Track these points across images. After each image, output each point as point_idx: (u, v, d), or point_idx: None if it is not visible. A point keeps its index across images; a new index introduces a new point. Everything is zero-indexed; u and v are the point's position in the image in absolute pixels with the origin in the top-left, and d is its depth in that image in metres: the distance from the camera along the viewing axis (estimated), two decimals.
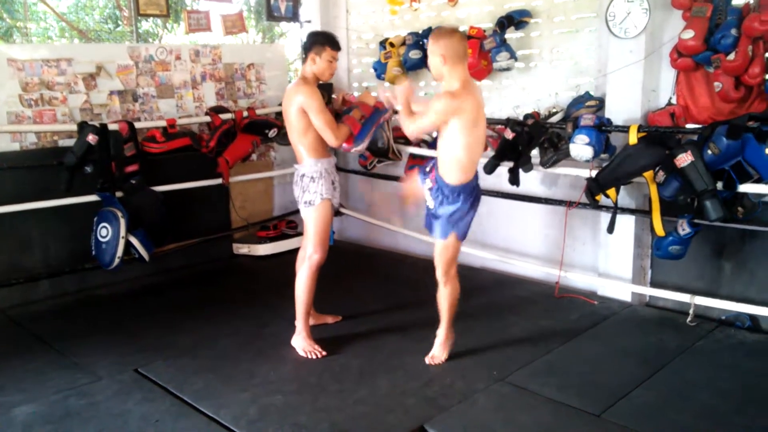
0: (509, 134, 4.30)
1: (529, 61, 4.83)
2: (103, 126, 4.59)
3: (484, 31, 4.78)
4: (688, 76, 3.99)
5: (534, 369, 3.44)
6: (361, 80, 6.04)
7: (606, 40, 4.26)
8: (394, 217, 5.56)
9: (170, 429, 2.94)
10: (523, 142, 4.28)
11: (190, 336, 3.95)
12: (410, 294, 4.57)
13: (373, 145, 5.22)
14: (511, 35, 4.75)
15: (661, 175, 3.75)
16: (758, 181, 3.49)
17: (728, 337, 3.81)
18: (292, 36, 10.29)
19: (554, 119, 4.44)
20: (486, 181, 4.70)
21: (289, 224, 5.83)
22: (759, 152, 3.42)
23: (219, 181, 5.28)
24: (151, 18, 9.11)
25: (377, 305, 4.38)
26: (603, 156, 4.07)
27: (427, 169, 3.48)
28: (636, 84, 4.11)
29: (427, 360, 3.54)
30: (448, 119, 3.20)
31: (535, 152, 4.36)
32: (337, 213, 5.81)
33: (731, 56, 3.62)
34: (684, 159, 3.52)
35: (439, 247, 3.44)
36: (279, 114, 5.65)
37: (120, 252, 4.53)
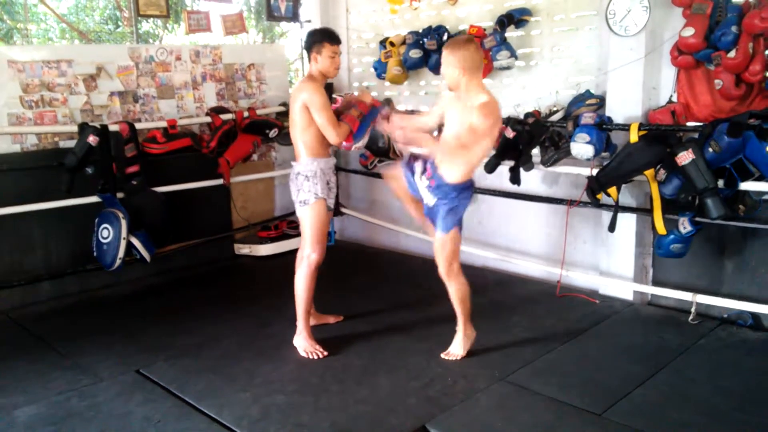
0: (510, 133, 4.29)
1: (529, 60, 4.83)
2: (104, 127, 4.60)
3: (484, 29, 4.77)
4: (689, 74, 3.99)
5: (535, 368, 3.44)
6: (361, 80, 6.03)
7: (606, 38, 4.25)
8: (395, 217, 5.56)
9: (172, 429, 2.94)
10: (524, 140, 4.27)
11: (191, 336, 3.96)
12: (411, 293, 4.57)
13: (374, 144, 5.23)
14: (511, 34, 4.75)
15: (662, 174, 3.75)
16: (759, 178, 3.49)
17: (730, 336, 3.80)
18: (293, 36, 10.29)
19: (555, 118, 4.44)
20: (487, 180, 4.72)
21: (290, 224, 5.83)
22: (760, 150, 3.41)
23: (220, 181, 5.28)
24: (152, 19, 9.11)
25: (378, 305, 4.38)
26: (604, 154, 4.07)
27: (420, 168, 3.47)
28: (636, 82, 4.11)
29: (443, 355, 3.55)
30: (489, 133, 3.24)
31: (535, 151, 4.36)
32: (338, 213, 5.83)
33: (732, 54, 3.61)
34: (685, 157, 3.52)
35: (440, 242, 3.44)
36: (279, 114, 5.68)
37: (121, 253, 4.53)
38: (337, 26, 5.81)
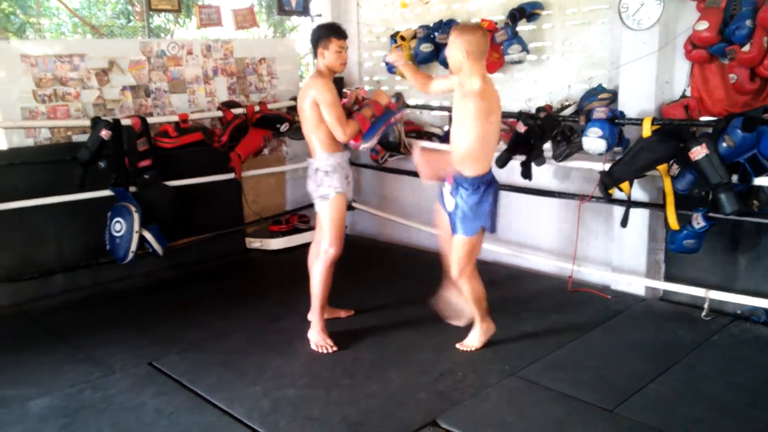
0: (521, 127, 4.27)
1: (541, 54, 4.80)
2: (116, 121, 4.63)
3: (496, 23, 4.75)
4: (703, 68, 3.95)
5: (546, 363, 3.43)
6: (372, 74, 6.02)
7: (619, 31, 4.22)
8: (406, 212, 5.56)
9: (184, 422, 2.96)
10: (536, 135, 4.25)
11: (203, 330, 3.98)
12: (422, 288, 4.54)
13: (385, 139, 5.22)
14: (522, 27, 4.72)
15: (675, 169, 3.72)
16: None
17: (743, 332, 3.77)
18: (303, 30, 10.29)
19: (567, 112, 4.41)
20: (498, 175, 4.66)
21: (301, 218, 5.84)
22: None
23: (231, 175, 5.29)
24: (163, 13, 9.14)
25: (389, 299, 4.38)
26: (616, 149, 4.04)
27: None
28: (649, 76, 4.07)
29: (458, 345, 3.57)
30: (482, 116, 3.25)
31: (547, 146, 4.33)
32: (349, 207, 5.83)
33: (746, 47, 3.58)
34: (698, 152, 3.49)
35: (459, 243, 3.43)
36: (290, 108, 5.69)
37: (134, 246, 4.56)
38: (348, 20, 5.81)
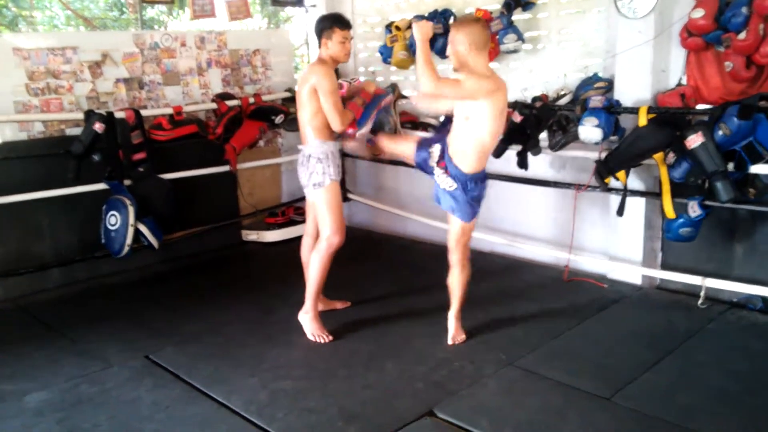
0: (517, 117, 4.26)
1: (536, 43, 4.78)
2: (110, 114, 4.60)
3: (491, 12, 4.72)
4: (699, 56, 3.94)
5: (543, 353, 3.44)
6: (367, 64, 6.00)
7: (615, 20, 4.20)
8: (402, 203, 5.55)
9: (181, 414, 2.96)
10: (532, 125, 4.24)
11: (199, 322, 3.97)
12: (418, 279, 4.56)
13: (380, 129, 5.19)
14: (518, 16, 4.70)
15: (671, 157, 3.72)
16: None
17: (740, 319, 3.78)
18: (298, 21, 10.22)
19: (563, 101, 4.40)
20: (494, 165, 4.67)
21: (297, 210, 5.83)
22: None
23: (226, 168, 5.27)
24: (156, 5, 9.07)
25: (385, 290, 4.38)
26: (612, 138, 4.04)
27: (436, 155, 3.46)
28: (645, 65, 4.06)
29: (450, 341, 3.57)
30: (477, 97, 3.19)
31: (543, 135, 4.32)
32: (345, 198, 5.82)
33: (742, 35, 3.56)
34: (694, 140, 3.49)
35: (458, 230, 3.45)
36: (285, 100, 5.66)
37: (129, 240, 4.55)
38: (343, 10, 5.75)
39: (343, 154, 5.95)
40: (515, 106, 4.30)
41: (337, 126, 3.56)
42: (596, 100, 3.99)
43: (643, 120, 3.84)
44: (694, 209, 3.76)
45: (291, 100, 5.45)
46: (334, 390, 3.12)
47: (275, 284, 4.58)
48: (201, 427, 2.87)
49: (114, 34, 6.95)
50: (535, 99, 4.38)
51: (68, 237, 4.79)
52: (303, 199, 4.65)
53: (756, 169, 3.50)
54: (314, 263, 3.67)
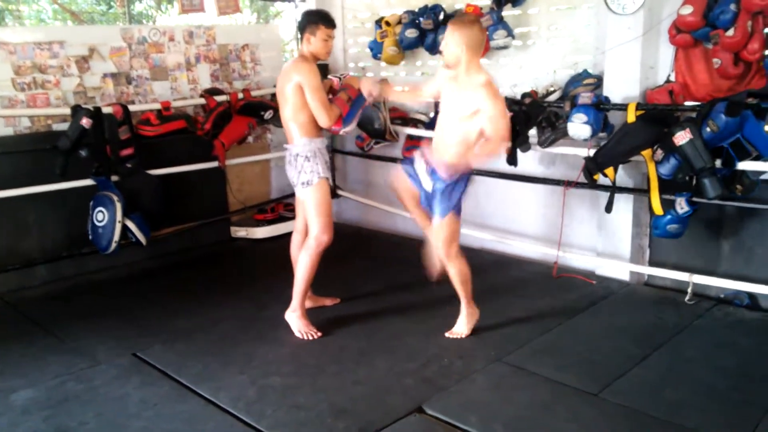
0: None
1: (526, 39, 4.79)
2: (97, 109, 4.56)
3: (481, 8, 4.72)
4: (687, 53, 3.95)
5: (532, 349, 3.45)
6: (357, 60, 5.98)
7: (604, 16, 4.21)
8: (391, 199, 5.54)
9: (169, 412, 2.95)
10: (521, 121, 4.24)
11: (188, 319, 3.95)
12: (408, 275, 4.55)
13: (370, 126, 5.20)
14: (508, 12, 4.70)
15: (659, 154, 3.73)
16: (757, 158, 3.47)
17: (727, 315, 3.81)
18: (287, 16, 10.18)
19: (552, 98, 4.41)
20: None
21: (286, 207, 5.81)
22: (758, 129, 3.39)
23: (215, 164, 5.25)
24: None
25: (375, 287, 4.37)
26: (601, 135, 4.05)
27: (419, 157, 3.50)
28: (634, 61, 4.07)
29: (447, 334, 3.59)
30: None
31: (532, 132, 4.33)
32: (334, 195, 5.81)
33: (730, 32, 3.58)
34: (682, 137, 3.50)
35: (437, 226, 3.46)
36: (275, 95, 5.62)
37: (117, 236, 4.52)
38: (333, 6, 5.75)
39: (332, 151, 5.95)
40: (505, 102, 4.30)
41: (324, 122, 3.54)
42: (585, 97, 4.00)
43: (631, 117, 3.85)
44: (681, 206, 3.78)
45: None
46: (324, 386, 3.11)
47: (265, 281, 4.57)
48: (189, 424, 2.85)
49: (101, 29, 6.90)
50: (524, 95, 4.38)
51: (55, 233, 4.75)
52: (292, 195, 4.65)
53: (743, 165, 3.51)
54: (302, 262, 3.66)
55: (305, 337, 3.63)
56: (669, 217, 3.83)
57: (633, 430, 2.72)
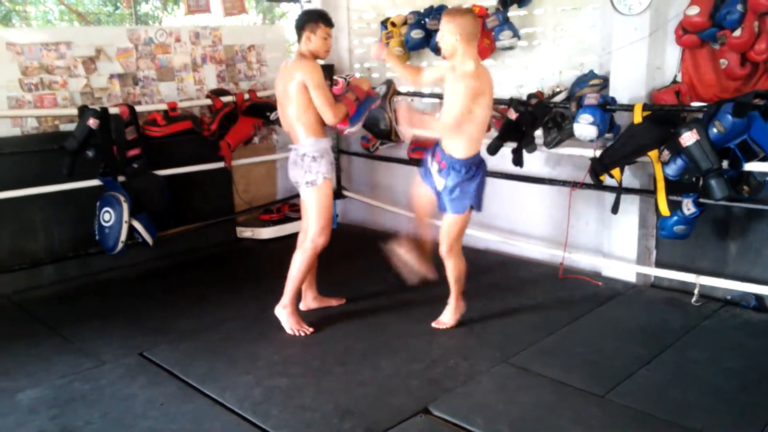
0: (513, 114, 4.26)
1: (532, 40, 4.78)
2: (104, 110, 4.58)
3: (487, 9, 4.72)
4: (694, 53, 3.94)
5: (538, 350, 3.44)
6: (362, 61, 5.98)
7: (610, 17, 4.20)
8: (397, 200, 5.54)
9: (175, 412, 2.95)
10: (527, 122, 4.24)
11: (194, 319, 3.96)
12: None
13: (375, 127, 5.19)
14: (514, 13, 4.69)
15: (666, 155, 3.72)
16: (764, 159, 3.46)
17: (733, 317, 3.79)
18: (293, 17, 10.19)
19: (558, 98, 4.40)
20: (489, 162, 4.66)
21: (292, 207, 5.82)
22: (765, 130, 3.39)
23: (221, 164, 5.26)
24: (151, 0, 9.04)
25: (380, 287, 4.37)
26: (607, 135, 4.04)
27: (430, 157, 3.52)
28: (641, 62, 4.06)
29: (434, 324, 3.65)
30: (474, 100, 3.28)
31: (538, 132, 4.32)
32: (340, 196, 5.81)
33: (737, 32, 3.57)
34: (689, 138, 3.49)
35: (450, 221, 3.51)
36: None
37: (123, 236, 4.54)
38: (338, 6, 5.76)
39: (338, 151, 5.95)
40: (511, 103, 4.30)
41: (330, 119, 3.54)
42: (591, 98, 3.99)
43: (638, 117, 3.84)
44: (688, 207, 3.77)
45: None
46: (329, 387, 3.12)
47: (270, 281, 4.54)
48: (195, 424, 2.86)
49: (108, 30, 6.92)
50: (530, 96, 4.37)
51: (62, 233, 4.77)
52: (298, 196, 4.67)
53: (750, 166, 3.50)
54: (296, 261, 3.68)
55: (297, 334, 3.66)
56: (676, 218, 3.82)
57: None
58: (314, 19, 3.56)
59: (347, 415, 2.87)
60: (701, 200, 3.73)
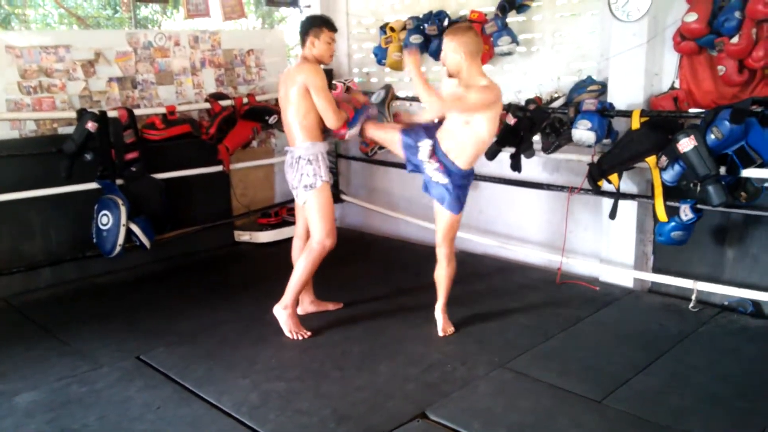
0: (511, 120, 4.27)
1: (530, 46, 4.79)
2: (103, 113, 4.57)
3: (485, 14, 4.73)
4: (692, 60, 3.96)
5: (535, 355, 3.44)
6: (361, 66, 5.99)
7: (608, 23, 4.22)
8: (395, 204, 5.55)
9: (171, 416, 2.95)
10: (525, 127, 4.25)
11: (191, 323, 3.96)
12: (411, 280, 4.56)
13: None
14: (512, 19, 4.71)
15: (663, 161, 3.73)
16: (761, 165, 3.47)
17: (730, 323, 3.80)
18: (292, 21, 10.21)
19: (556, 104, 4.41)
20: (488, 167, 4.70)
21: (290, 211, 5.81)
22: (762, 136, 3.40)
23: (219, 168, 5.26)
24: (150, 4, 9.05)
25: (378, 292, 4.37)
26: (605, 141, 4.05)
27: (426, 151, 3.49)
28: (639, 68, 4.08)
29: (441, 333, 3.65)
30: (482, 111, 3.32)
31: (536, 138, 4.33)
32: (338, 200, 5.82)
33: (735, 39, 3.58)
34: (687, 144, 3.50)
35: (447, 223, 3.54)
36: (279, 100, 5.64)
37: (121, 240, 4.53)
38: (338, 11, 5.78)
39: (336, 155, 5.96)
40: (509, 108, 4.31)
41: (332, 123, 3.55)
42: (590, 103, 4.00)
43: (636, 123, 3.85)
44: (686, 213, 3.77)
45: None
46: (326, 391, 3.11)
47: (268, 285, 4.55)
48: (191, 427, 2.85)
49: (107, 33, 6.92)
50: (528, 101, 4.39)
51: (60, 236, 4.76)
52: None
53: (747, 173, 3.52)
54: (301, 263, 3.67)
55: (294, 337, 3.65)
56: (673, 224, 3.82)
57: None
58: (318, 24, 3.58)
59: (344, 419, 2.86)
60: (699, 206, 3.73)
